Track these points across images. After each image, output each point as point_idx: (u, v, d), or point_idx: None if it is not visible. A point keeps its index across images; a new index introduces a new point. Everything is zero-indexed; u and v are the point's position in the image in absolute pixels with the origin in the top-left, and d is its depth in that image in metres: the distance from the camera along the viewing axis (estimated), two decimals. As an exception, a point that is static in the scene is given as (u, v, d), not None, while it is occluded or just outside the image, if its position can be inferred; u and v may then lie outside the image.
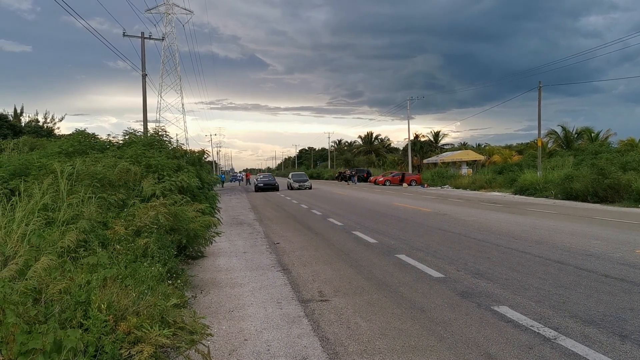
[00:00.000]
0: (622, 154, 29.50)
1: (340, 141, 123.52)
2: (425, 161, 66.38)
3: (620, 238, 11.13)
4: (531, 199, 26.39)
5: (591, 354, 4.39)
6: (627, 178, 22.19)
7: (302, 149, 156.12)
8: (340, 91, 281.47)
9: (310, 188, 44.23)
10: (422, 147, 71.96)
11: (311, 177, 78.10)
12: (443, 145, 76.92)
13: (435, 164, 60.91)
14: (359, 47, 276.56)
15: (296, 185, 44.74)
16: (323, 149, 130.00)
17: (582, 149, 41.85)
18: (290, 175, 49.64)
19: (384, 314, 5.84)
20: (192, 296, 6.69)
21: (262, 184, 43.92)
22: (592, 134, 48.80)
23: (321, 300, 6.61)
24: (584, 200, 23.34)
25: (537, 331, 5.03)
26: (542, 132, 38.38)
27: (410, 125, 64.95)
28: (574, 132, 50.55)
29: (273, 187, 43.40)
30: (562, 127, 51.22)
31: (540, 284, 7.00)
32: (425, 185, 47.09)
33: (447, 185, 43.65)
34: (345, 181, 61.68)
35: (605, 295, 6.37)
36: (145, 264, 6.02)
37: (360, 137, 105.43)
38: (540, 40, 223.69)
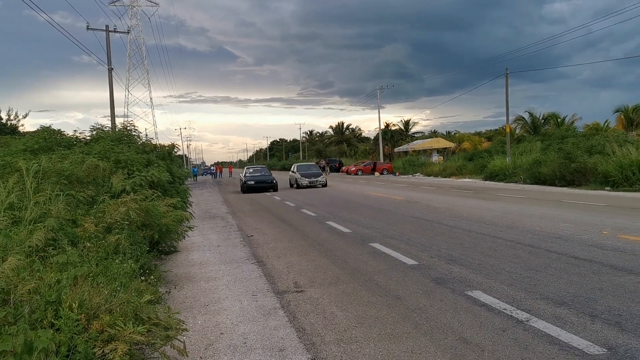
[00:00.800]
0: (588, 138, 30.15)
1: (311, 132, 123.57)
2: (396, 150, 67.00)
3: (588, 220, 11.39)
4: (501, 185, 26.83)
5: (563, 334, 4.48)
6: (593, 161, 22.71)
7: (274, 141, 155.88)
8: (311, 82, 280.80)
9: (325, 185, 31.32)
10: (393, 136, 72.65)
11: (283, 169, 77.16)
12: (414, 133, 77.81)
13: (406, 153, 61.50)
14: (328, 37, 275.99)
15: (305, 182, 31.09)
16: (295, 140, 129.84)
17: (549, 134, 42.56)
18: (294, 168, 34.02)
19: (359, 303, 5.87)
20: (166, 292, 6.61)
21: (252, 182, 29.72)
22: (559, 119, 49.65)
23: (296, 291, 6.61)
24: (552, 184, 23.84)
25: (510, 314, 5.12)
26: (510, 118, 39.04)
27: (381, 115, 65.30)
28: (541, 118, 51.37)
29: (270, 186, 29.60)
30: (529, 113, 52.09)
31: (511, 268, 7.12)
32: (397, 174, 47.46)
33: (418, 173, 44.09)
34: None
35: (575, 276, 6.51)
36: (117, 260, 5.92)
37: (331, 127, 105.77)
38: (507, 28, 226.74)
